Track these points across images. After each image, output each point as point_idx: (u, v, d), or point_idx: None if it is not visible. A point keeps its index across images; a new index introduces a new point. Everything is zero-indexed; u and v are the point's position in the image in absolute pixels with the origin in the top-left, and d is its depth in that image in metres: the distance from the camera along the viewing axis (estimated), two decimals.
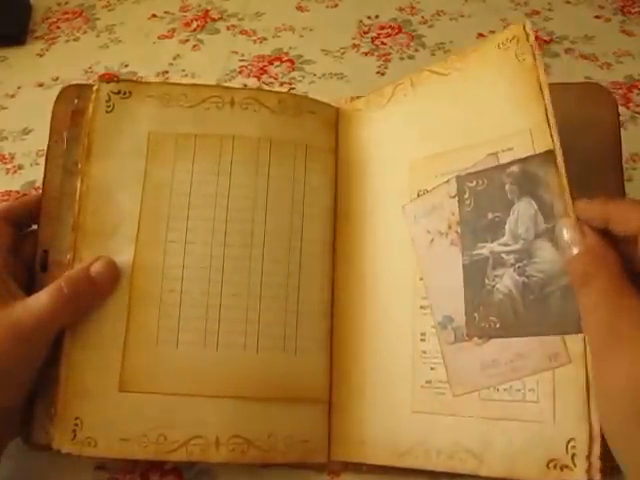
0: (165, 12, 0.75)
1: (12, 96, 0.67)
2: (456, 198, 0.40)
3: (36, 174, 0.44)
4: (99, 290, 0.40)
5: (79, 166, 0.43)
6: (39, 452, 0.41)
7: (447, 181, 0.40)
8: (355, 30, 0.71)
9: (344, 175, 0.46)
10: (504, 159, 0.38)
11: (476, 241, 0.38)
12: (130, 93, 0.44)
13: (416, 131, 0.44)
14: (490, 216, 0.38)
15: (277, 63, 0.68)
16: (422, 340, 0.40)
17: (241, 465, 0.41)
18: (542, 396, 0.35)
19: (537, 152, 0.37)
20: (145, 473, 0.42)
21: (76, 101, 0.44)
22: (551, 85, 0.39)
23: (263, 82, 0.66)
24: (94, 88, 0.44)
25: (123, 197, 0.42)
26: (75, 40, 0.73)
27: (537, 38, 0.67)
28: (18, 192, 0.58)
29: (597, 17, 0.71)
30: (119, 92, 0.44)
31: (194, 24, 0.73)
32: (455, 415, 0.38)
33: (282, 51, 0.69)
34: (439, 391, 0.39)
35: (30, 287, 0.41)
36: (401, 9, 0.73)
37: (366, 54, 0.69)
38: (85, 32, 0.74)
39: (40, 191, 0.44)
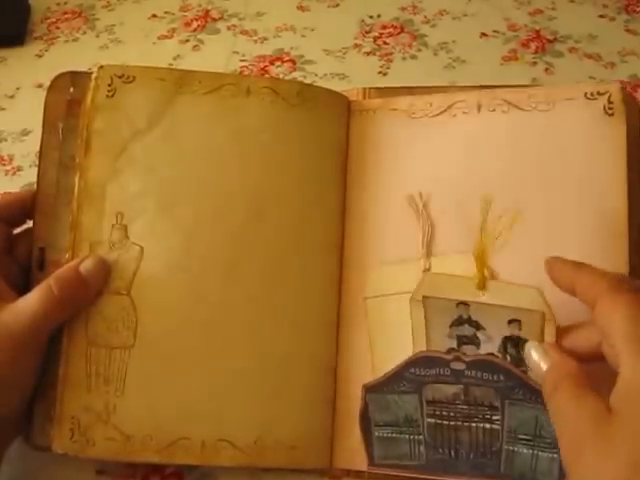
0: (165, 12, 0.75)
1: (11, 97, 0.67)
2: None
3: (35, 176, 0.43)
4: (89, 289, 0.39)
5: (77, 160, 0.41)
6: (41, 457, 0.40)
7: None
8: (357, 30, 0.71)
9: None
10: None
11: None
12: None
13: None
14: None
15: (278, 63, 0.68)
16: None
17: (242, 468, 0.40)
18: None
19: None
20: (146, 476, 0.41)
21: (71, 89, 0.43)
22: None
23: None
24: (96, 71, 0.42)
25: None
26: (74, 40, 0.73)
27: (540, 37, 0.68)
28: None
29: (601, 16, 0.70)
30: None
31: (194, 24, 0.73)
32: None
33: (283, 51, 0.69)
34: None
35: (26, 286, 0.40)
36: (403, 8, 0.73)
37: (368, 54, 0.68)
38: (85, 32, 0.73)
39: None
